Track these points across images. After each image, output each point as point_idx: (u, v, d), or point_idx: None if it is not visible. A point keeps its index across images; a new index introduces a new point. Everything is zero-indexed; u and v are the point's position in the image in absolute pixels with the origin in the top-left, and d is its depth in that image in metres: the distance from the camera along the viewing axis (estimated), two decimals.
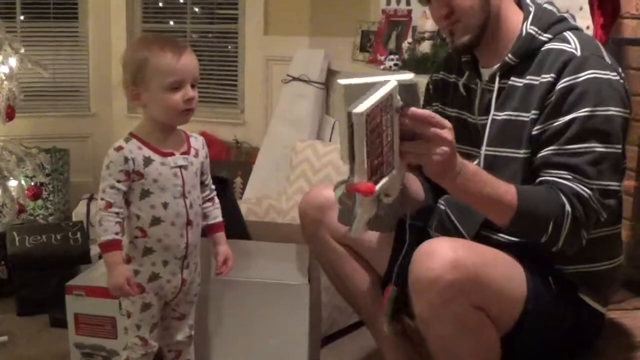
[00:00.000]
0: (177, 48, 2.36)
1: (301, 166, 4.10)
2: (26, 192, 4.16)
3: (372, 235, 2.44)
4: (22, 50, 4.19)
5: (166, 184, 2.41)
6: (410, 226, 2.23)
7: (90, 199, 5.12)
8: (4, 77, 4.04)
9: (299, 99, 4.92)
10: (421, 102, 1.95)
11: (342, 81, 1.79)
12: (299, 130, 4.76)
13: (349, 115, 1.67)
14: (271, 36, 5.47)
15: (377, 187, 1.77)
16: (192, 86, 2.38)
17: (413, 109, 1.82)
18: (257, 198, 4.22)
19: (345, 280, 2.56)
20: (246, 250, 2.85)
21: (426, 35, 4.08)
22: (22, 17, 5.91)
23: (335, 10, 5.09)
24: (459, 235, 2.23)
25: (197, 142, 2.54)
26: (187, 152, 2.47)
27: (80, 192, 5.25)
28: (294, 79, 5.01)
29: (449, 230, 2.27)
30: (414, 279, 1.99)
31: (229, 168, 5.04)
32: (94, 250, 3.99)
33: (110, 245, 2.34)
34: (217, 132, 5.57)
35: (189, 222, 2.45)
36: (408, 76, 1.86)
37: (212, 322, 2.90)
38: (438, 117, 1.86)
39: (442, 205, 2.33)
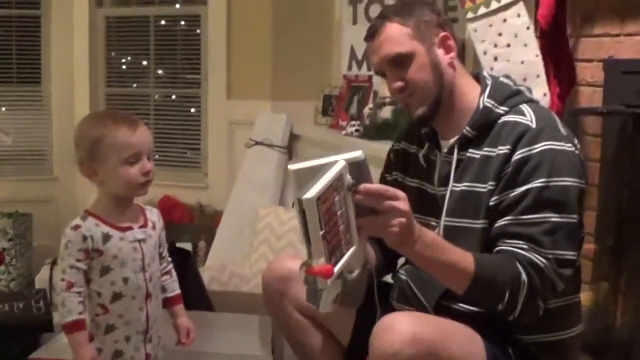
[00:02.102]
0: (131, 122, 2.37)
1: (264, 233, 4.11)
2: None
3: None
4: None
5: (126, 259, 2.39)
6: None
7: (53, 263, 5.05)
8: None
9: (261, 163, 4.95)
10: (372, 176, 1.96)
11: (292, 166, 1.86)
12: (262, 194, 4.78)
13: (300, 201, 1.71)
14: (234, 100, 5.50)
15: (337, 267, 1.80)
16: (148, 158, 2.38)
17: (365, 185, 1.88)
18: (220, 264, 4.20)
19: (309, 352, 2.55)
20: (209, 322, 2.85)
21: (387, 100, 4.12)
22: None
23: (297, 74, 5.15)
24: (420, 305, 2.25)
25: (153, 215, 2.53)
26: (144, 225, 2.46)
27: (43, 257, 5.20)
28: (257, 143, 5.04)
29: (410, 300, 2.29)
30: (374, 354, 2.00)
31: (193, 232, 5.03)
32: (57, 317, 3.96)
33: (75, 326, 2.32)
34: (181, 196, 5.56)
35: (148, 295, 2.43)
36: (356, 154, 1.90)
37: None
38: (391, 190, 1.92)
39: (402, 275, 2.35)
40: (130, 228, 2.41)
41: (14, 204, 5.41)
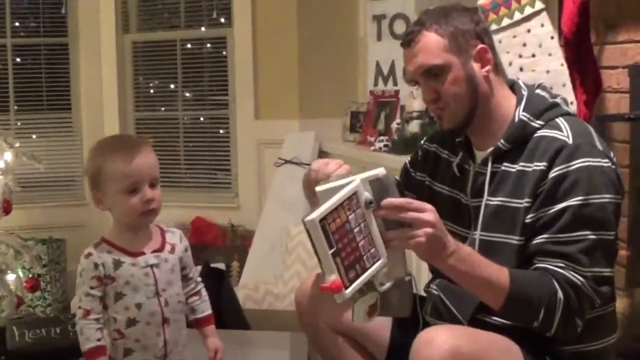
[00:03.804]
0: (129, 150, 2.30)
1: (296, 250, 4.12)
2: (24, 284, 4.17)
3: (370, 323, 2.45)
4: (17, 145, 4.24)
5: (138, 284, 2.34)
6: None
7: None
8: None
9: (291, 182, 4.95)
10: (397, 192, 1.98)
11: (318, 188, 1.95)
12: (293, 213, 4.78)
13: (304, 223, 1.81)
14: (262, 120, 5.54)
15: (357, 281, 1.87)
16: (153, 185, 2.31)
17: (388, 200, 1.91)
18: (254, 283, 4.22)
19: None
20: (245, 340, 2.85)
21: (414, 115, 4.12)
22: (15, 108, 5.99)
23: (324, 92, 5.17)
24: (454, 319, 2.24)
25: (174, 237, 2.46)
26: (160, 249, 2.39)
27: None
28: (286, 161, 5.06)
29: (443, 315, 2.28)
30: None
31: (225, 252, 5.06)
32: None
33: (95, 353, 2.31)
34: (212, 217, 5.60)
35: (165, 320, 2.37)
36: (377, 171, 1.97)
37: None
38: (416, 202, 1.94)
39: (435, 290, 2.34)
40: (142, 253, 2.36)
41: (47, 230, 5.46)
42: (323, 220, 1.82)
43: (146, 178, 2.30)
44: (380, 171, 1.96)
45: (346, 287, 1.85)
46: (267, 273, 4.49)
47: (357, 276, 1.87)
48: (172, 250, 2.42)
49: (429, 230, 1.91)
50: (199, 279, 2.55)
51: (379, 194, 1.93)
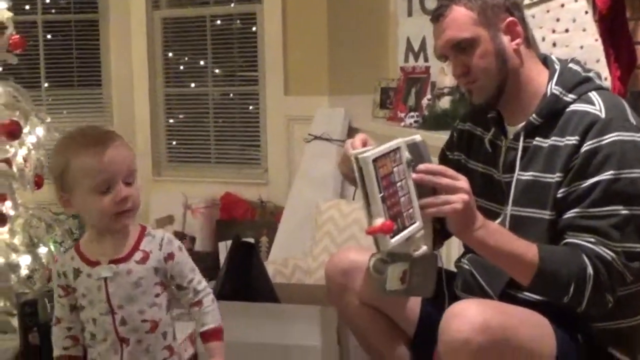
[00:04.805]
0: (100, 143, 2.03)
1: (326, 226, 4.13)
2: (56, 258, 4.20)
3: (399, 298, 2.46)
4: (48, 120, 4.26)
5: (93, 299, 2.11)
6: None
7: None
8: (31, 147, 4.11)
9: (321, 158, 4.97)
10: (431, 159, 2.01)
11: (353, 151, 1.93)
12: (322, 189, 4.79)
13: (357, 159, 1.80)
14: (292, 96, 5.55)
15: (400, 235, 1.87)
16: (129, 183, 2.05)
17: (425, 164, 1.94)
18: (283, 259, 4.23)
19: (375, 343, 2.56)
20: (274, 314, 2.86)
21: (445, 91, 4.09)
22: (46, 85, 6.02)
23: (354, 68, 5.15)
24: (484, 294, 2.24)
25: (152, 243, 2.14)
26: (123, 259, 2.10)
27: None
28: (316, 137, 5.06)
29: (474, 289, 2.28)
30: (444, 342, 2.00)
31: (254, 228, 5.08)
32: None
33: None
34: (242, 192, 5.63)
35: (122, 340, 2.12)
36: (414, 137, 2.00)
37: None
38: (451, 171, 1.96)
39: (466, 265, 2.34)
40: (98, 263, 2.11)
41: None
42: (375, 161, 1.82)
43: (120, 174, 2.03)
44: (417, 137, 2.00)
45: (391, 237, 1.85)
46: (296, 248, 4.50)
47: (399, 231, 1.87)
48: (143, 260, 2.11)
49: (465, 196, 1.92)
50: (201, 286, 2.20)
51: (416, 159, 1.95)
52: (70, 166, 2.03)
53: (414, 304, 2.44)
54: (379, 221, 1.82)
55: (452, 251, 2.84)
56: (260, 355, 2.85)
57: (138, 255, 2.11)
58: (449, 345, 1.98)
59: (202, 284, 2.21)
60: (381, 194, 1.83)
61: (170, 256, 2.15)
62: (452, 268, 2.48)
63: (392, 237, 1.85)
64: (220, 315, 2.23)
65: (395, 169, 1.89)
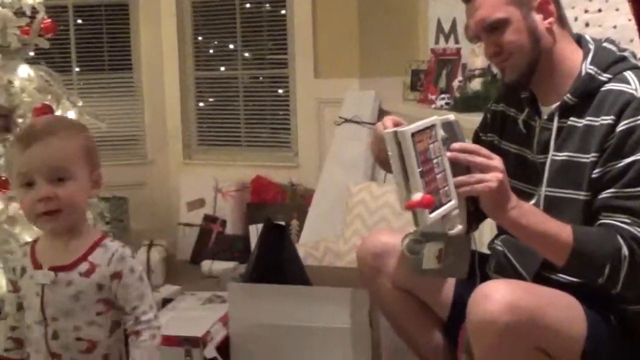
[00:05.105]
0: (30, 136, 1.91)
1: (357, 208, 4.12)
2: None
3: (433, 281, 2.45)
4: (80, 103, 4.28)
5: (30, 303, 1.96)
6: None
7: (150, 245, 5.22)
8: None
9: (351, 141, 4.96)
10: (465, 139, 2.02)
11: (386, 130, 1.92)
12: (352, 171, 4.79)
13: (396, 134, 1.81)
14: (322, 79, 5.53)
15: (438, 211, 1.87)
16: (60, 180, 1.88)
17: (459, 143, 1.96)
18: (314, 241, 4.24)
19: (406, 325, 2.55)
20: (306, 296, 2.86)
21: (476, 72, 4.08)
22: (77, 69, 6.05)
23: (384, 50, 5.13)
24: (518, 276, 2.22)
25: (103, 255, 1.93)
26: (66, 268, 1.92)
27: (139, 239, 5.34)
28: (346, 120, 5.05)
29: (507, 271, 2.26)
30: (471, 321, 2.00)
31: (285, 211, 5.09)
32: (156, 297, 4.05)
33: None
34: (272, 175, 5.64)
35: (54, 356, 1.95)
36: (448, 116, 2.02)
37: None
38: (485, 150, 1.97)
39: (499, 246, 2.33)
40: (40, 266, 1.95)
41: (110, 188, 5.52)
42: (413, 135, 1.82)
43: (41, 171, 1.86)
44: (451, 116, 2.02)
45: (429, 212, 1.85)
46: (327, 231, 4.50)
47: (436, 207, 1.86)
48: (87, 273, 1.92)
49: (499, 175, 1.92)
50: (146, 317, 1.96)
51: (450, 138, 1.96)
52: (8, 157, 2.01)
53: (448, 287, 2.43)
54: (418, 195, 1.82)
55: (483, 234, 2.82)
56: (291, 337, 2.86)
57: (83, 267, 1.92)
58: (476, 325, 1.99)
59: (148, 315, 1.95)
60: (419, 169, 1.83)
61: (116, 275, 1.93)
62: (485, 250, 2.46)
63: (430, 213, 1.85)
64: (156, 356, 1.97)
65: (431, 146, 1.89)
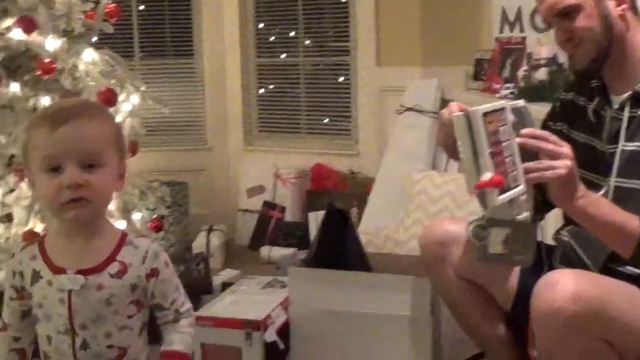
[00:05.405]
0: (59, 118, 1.74)
1: (418, 197, 4.11)
2: (149, 224, 4.27)
3: (497, 270, 2.43)
4: (143, 88, 4.31)
5: (50, 312, 1.78)
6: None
7: (210, 230, 5.26)
8: (126, 114, 4.17)
9: (412, 129, 4.92)
10: (534, 125, 2.02)
11: (455, 114, 1.92)
12: (413, 160, 4.76)
13: (467, 114, 1.82)
14: (384, 67, 5.50)
15: (506, 194, 1.86)
16: (91, 167, 1.73)
17: (529, 129, 1.95)
18: (374, 229, 4.23)
19: (468, 314, 2.54)
20: (368, 282, 2.85)
21: (542, 62, 4.03)
22: (140, 55, 6.10)
23: (448, 39, 5.08)
24: (584, 267, 2.20)
25: (135, 253, 1.81)
26: (95, 270, 1.77)
27: (199, 224, 5.38)
28: (408, 109, 5.02)
29: (573, 262, 2.24)
30: (535, 311, 1.99)
31: (344, 199, 5.07)
32: (216, 281, 4.09)
33: None
34: (332, 163, 5.63)
35: None
36: (518, 101, 2.04)
37: (329, 355, 2.91)
38: (555, 136, 1.96)
39: (565, 237, 2.31)
40: (62, 270, 1.78)
41: (170, 173, 5.57)
42: (485, 116, 1.82)
43: (71, 155, 1.71)
44: (521, 102, 2.03)
45: (498, 194, 1.83)
46: (386, 220, 4.49)
47: (504, 191, 1.85)
48: (119, 274, 1.79)
49: (568, 162, 1.90)
50: (184, 308, 1.90)
51: (520, 122, 1.95)
52: (29, 140, 1.77)
53: (512, 277, 2.42)
54: (487, 175, 1.82)
55: (547, 225, 2.79)
56: (351, 323, 2.86)
57: (114, 268, 1.78)
58: (540, 314, 1.98)
59: (186, 306, 1.90)
60: (489, 150, 1.82)
61: (153, 273, 1.82)
62: (549, 242, 2.44)
63: (498, 194, 1.84)
64: (191, 344, 1.92)
65: (501, 129, 1.88)
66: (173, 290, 1.86)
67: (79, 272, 1.76)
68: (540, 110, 2.60)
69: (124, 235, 1.84)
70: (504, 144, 1.88)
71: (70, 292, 1.75)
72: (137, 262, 1.80)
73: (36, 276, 1.78)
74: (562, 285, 1.94)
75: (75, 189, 1.70)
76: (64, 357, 1.78)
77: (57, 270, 1.76)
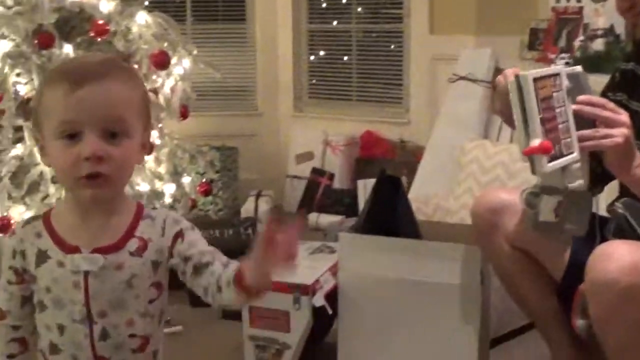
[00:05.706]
0: (82, 76, 1.50)
1: (470, 166, 4.08)
2: (198, 188, 4.29)
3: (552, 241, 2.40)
4: (195, 52, 4.32)
5: (63, 298, 1.56)
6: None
7: (258, 195, 5.28)
8: (178, 78, 4.18)
9: (465, 99, 4.88)
10: (592, 92, 1.98)
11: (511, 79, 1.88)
12: (465, 130, 4.72)
13: (517, 78, 1.80)
14: (437, 35, 5.44)
15: (557, 161, 1.83)
16: (113, 136, 1.50)
17: (586, 95, 1.91)
18: (424, 197, 4.21)
19: (519, 284, 2.52)
20: (418, 250, 2.84)
21: (599, 32, 3.99)
22: (191, 19, 6.11)
23: (502, 8, 5.02)
24: (638, 239, 2.16)
25: (153, 226, 1.60)
26: (113, 247, 1.56)
27: (247, 189, 5.41)
28: (460, 78, 4.98)
29: (627, 234, 2.20)
30: (590, 281, 1.98)
31: (394, 167, 5.05)
32: None
33: None
34: (382, 131, 5.61)
35: (98, 358, 1.57)
36: (575, 67, 2.00)
37: (377, 322, 2.91)
38: (612, 104, 1.93)
39: (619, 209, 2.27)
40: (76, 249, 1.55)
41: (220, 138, 5.60)
42: (535, 81, 1.79)
43: (92, 119, 1.48)
44: (578, 68, 1.98)
45: (548, 161, 1.81)
46: (436, 189, 4.48)
47: (556, 157, 1.83)
48: (139, 250, 1.58)
49: (625, 131, 1.87)
50: (220, 262, 1.63)
51: (576, 89, 1.91)
52: (42, 100, 1.54)
53: (564, 248, 2.38)
54: (536, 141, 1.79)
55: (600, 197, 2.76)
56: (400, 290, 2.85)
57: (133, 244, 1.57)
58: (595, 285, 1.96)
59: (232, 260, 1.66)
60: (540, 115, 1.79)
61: (177, 236, 1.60)
62: (603, 213, 2.40)
63: (549, 161, 1.81)
64: None
65: (555, 94, 1.85)
66: (212, 250, 1.64)
67: (96, 250, 1.55)
68: (596, 80, 2.55)
69: (140, 207, 1.62)
70: (557, 110, 1.85)
71: (86, 274, 1.54)
72: (156, 235, 1.59)
73: (42, 256, 1.56)
74: (618, 257, 1.92)
75: (95, 162, 1.48)
76: (80, 350, 1.57)
77: (70, 250, 1.55)
